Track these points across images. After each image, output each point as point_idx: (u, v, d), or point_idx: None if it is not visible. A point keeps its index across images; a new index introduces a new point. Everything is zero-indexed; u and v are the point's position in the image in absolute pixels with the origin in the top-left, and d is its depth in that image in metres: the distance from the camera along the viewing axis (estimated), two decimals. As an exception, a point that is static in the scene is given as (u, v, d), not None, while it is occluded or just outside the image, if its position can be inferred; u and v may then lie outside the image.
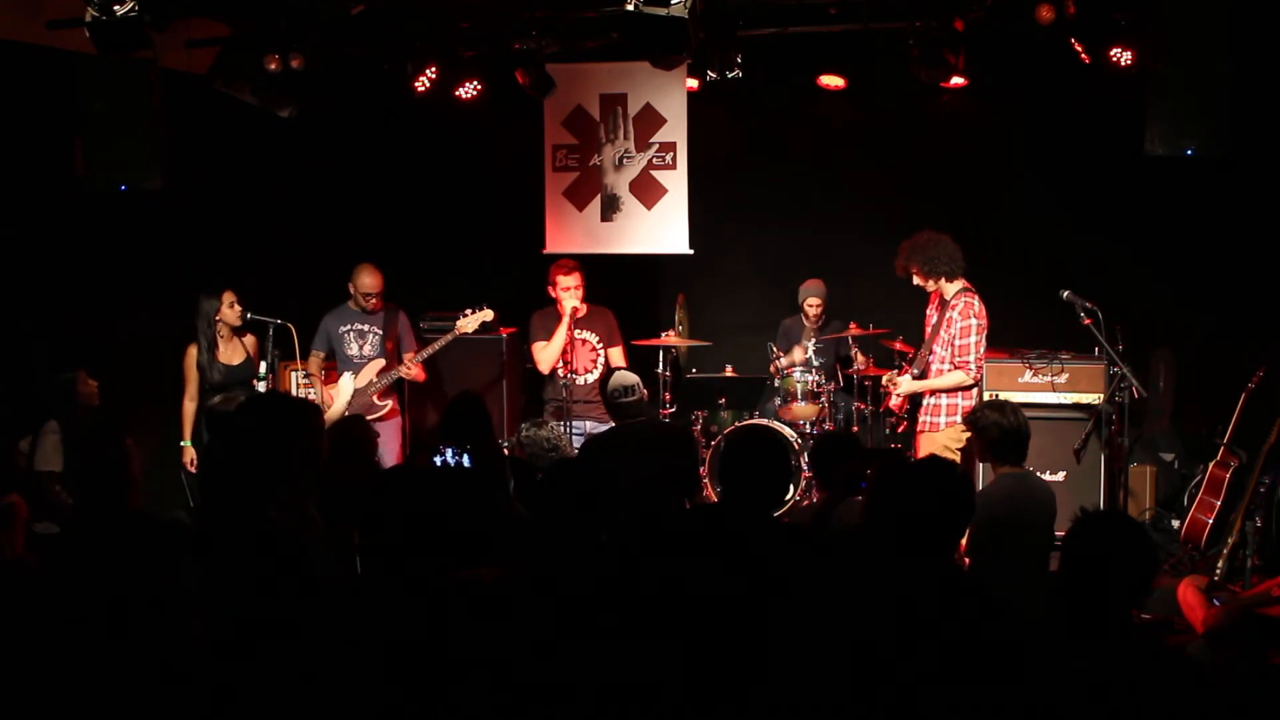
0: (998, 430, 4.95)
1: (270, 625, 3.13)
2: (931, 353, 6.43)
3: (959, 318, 6.32)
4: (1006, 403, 5.20)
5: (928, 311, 6.67)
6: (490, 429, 5.17)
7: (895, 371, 6.60)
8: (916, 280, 6.43)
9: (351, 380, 6.94)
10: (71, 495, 4.57)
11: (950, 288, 6.40)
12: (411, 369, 7.06)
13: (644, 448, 5.56)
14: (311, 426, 4.15)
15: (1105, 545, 2.93)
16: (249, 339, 6.82)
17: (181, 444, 6.63)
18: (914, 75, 7.22)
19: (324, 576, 3.38)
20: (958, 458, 5.47)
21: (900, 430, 6.78)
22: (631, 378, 5.82)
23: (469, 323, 7.10)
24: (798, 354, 7.82)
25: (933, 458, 3.65)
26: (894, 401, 6.70)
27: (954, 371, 6.33)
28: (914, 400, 6.66)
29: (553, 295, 7.13)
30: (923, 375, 6.48)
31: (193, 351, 6.66)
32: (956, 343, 6.32)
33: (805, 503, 7.18)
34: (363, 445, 5.12)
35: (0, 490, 4.36)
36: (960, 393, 6.36)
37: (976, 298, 6.37)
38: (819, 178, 8.78)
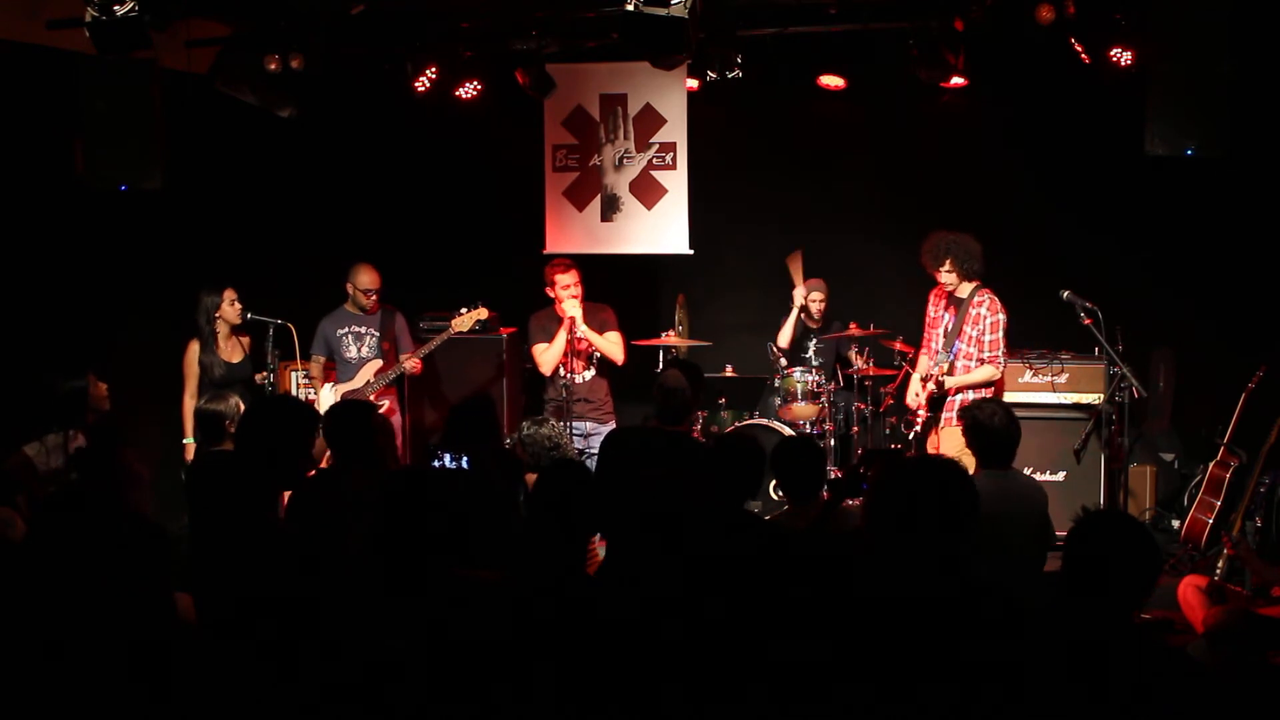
0: (987, 435, 4.91)
1: (270, 625, 3.14)
2: (955, 350, 6.40)
3: (987, 313, 6.33)
4: (1001, 405, 5.17)
5: (931, 311, 6.64)
6: (497, 433, 5.09)
7: (935, 370, 6.44)
8: (945, 273, 6.37)
9: (332, 392, 6.98)
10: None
11: (967, 286, 6.42)
12: (410, 364, 7.07)
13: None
14: (313, 429, 4.17)
15: (1108, 545, 2.93)
16: (244, 338, 6.82)
17: (184, 441, 6.61)
18: (914, 75, 7.23)
19: (325, 578, 3.38)
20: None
21: (913, 432, 6.71)
22: (680, 379, 5.68)
23: (463, 321, 7.11)
24: (783, 337, 7.90)
25: (933, 457, 3.64)
26: (919, 401, 6.59)
27: (984, 366, 6.33)
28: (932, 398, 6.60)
29: (550, 295, 7.11)
30: (949, 373, 6.45)
31: (193, 348, 6.65)
32: (986, 338, 6.33)
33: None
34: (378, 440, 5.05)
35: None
36: (985, 388, 6.36)
37: (992, 293, 6.39)
38: (819, 178, 8.78)
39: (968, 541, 3.21)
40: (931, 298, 6.66)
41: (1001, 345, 6.34)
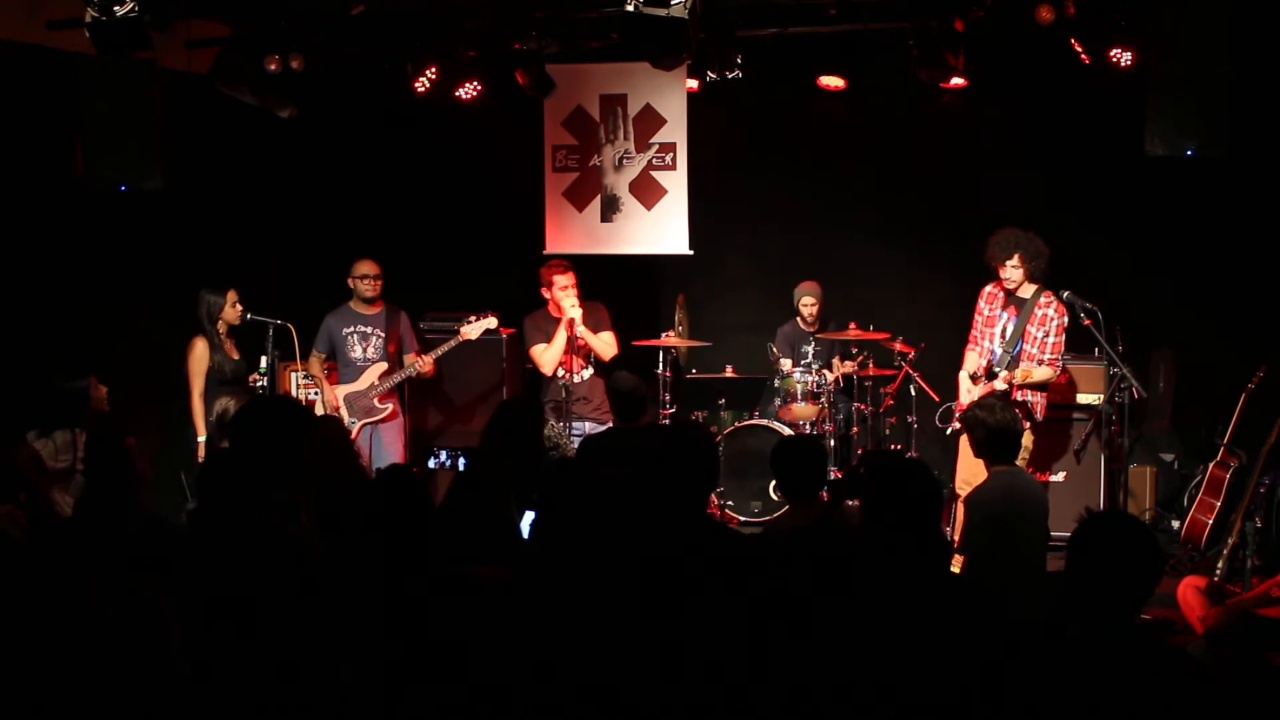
0: (984, 430, 4.96)
1: (267, 623, 3.14)
2: (1018, 350, 6.38)
3: (1054, 314, 6.34)
4: (996, 402, 5.22)
5: (985, 309, 6.57)
6: (536, 436, 5.02)
7: (999, 370, 6.38)
8: (1012, 268, 6.35)
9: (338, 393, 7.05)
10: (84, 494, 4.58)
11: (1030, 287, 6.42)
12: (422, 365, 7.04)
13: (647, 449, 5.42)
14: (310, 428, 4.17)
15: (1111, 546, 2.93)
16: (230, 339, 6.81)
17: (199, 439, 6.58)
18: (914, 75, 7.23)
19: (322, 576, 3.38)
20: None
21: (951, 428, 6.71)
22: (632, 379, 5.79)
23: (473, 329, 7.09)
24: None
25: (906, 457, 3.65)
26: (970, 398, 6.44)
27: (1044, 368, 6.33)
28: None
29: (546, 296, 7.10)
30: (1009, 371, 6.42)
31: (201, 346, 6.59)
32: (1050, 340, 6.33)
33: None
34: (339, 444, 5.05)
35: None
36: (1040, 390, 6.39)
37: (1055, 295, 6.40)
38: (819, 178, 8.78)
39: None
40: (984, 295, 6.60)
41: (1062, 348, 6.36)
